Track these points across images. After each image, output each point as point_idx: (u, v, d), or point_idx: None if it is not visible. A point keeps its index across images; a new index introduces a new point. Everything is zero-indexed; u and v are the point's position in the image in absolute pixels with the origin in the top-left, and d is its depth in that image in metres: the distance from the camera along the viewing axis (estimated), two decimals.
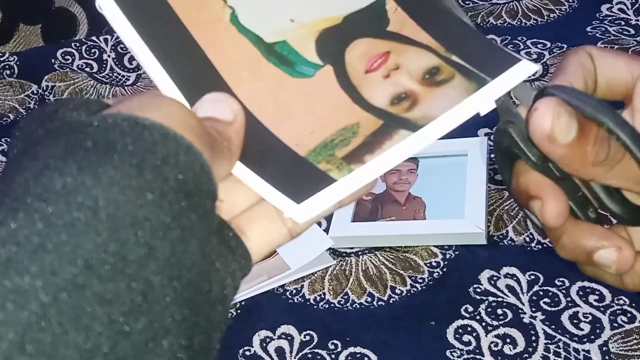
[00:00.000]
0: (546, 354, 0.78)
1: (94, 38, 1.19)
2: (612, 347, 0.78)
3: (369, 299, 0.85)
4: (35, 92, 1.11)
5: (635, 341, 0.78)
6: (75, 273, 0.30)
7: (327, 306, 0.85)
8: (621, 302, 0.81)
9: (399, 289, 0.85)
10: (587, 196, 0.43)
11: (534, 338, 0.79)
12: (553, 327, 0.80)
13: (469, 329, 0.81)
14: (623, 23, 1.12)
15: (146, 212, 0.32)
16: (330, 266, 0.88)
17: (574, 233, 0.43)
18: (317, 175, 0.39)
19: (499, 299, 0.83)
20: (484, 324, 0.81)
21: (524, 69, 0.40)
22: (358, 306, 0.84)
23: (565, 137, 0.40)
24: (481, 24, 1.19)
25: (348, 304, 0.85)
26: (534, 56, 1.09)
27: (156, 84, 0.40)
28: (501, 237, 0.89)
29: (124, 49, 1.16)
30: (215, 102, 0.39)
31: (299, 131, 0.41)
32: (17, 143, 0.36)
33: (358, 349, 0.80)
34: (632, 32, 1.10)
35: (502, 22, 1.16)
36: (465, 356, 0.78)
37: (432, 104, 0.40)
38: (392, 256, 0.88)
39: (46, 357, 0.29)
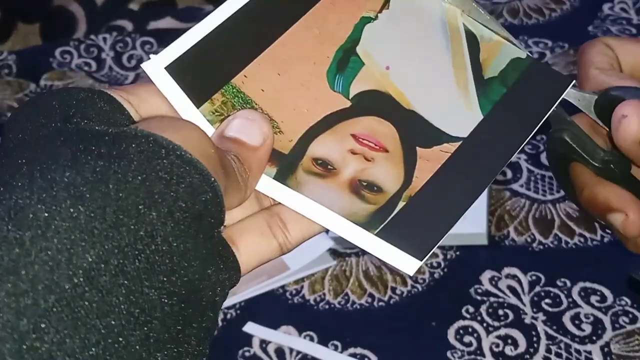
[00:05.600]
0: (547, 354, 0.78)
1: (92, 37, 1.18)
2: (614, 348, 0.78)
3: (370, 300, 0.84)
4: (33, 91, 1.11)
5: (636, 342, 0.78)
6: (75, 283, 0.29)
7: (327, 307, 0.84)
8: (623, 302, 0.81)
9: (400, 290, 0.85)
10: None
11: (535, 339, 0.79)
12: (554, 327, 0.80)
13: (470, 329, 0.80)
14: (625, 22, 1.12)
15: (151, 229, 0.31)
16: (331, 266, 0.88)
17: None
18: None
19: (500, 300, 0.83)
20: (485, 324, 0.81)
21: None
22: (358, 307, 0.84)
23: None
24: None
25: (348, 305, 0.84)
26: (536, 55, 1.09)
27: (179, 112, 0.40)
28: (502, 237, 0.88)
29: (123, 48, 1.16)
30: (247, 121, 0.39)
31: None
32: (17, 129, 0.35)
33: (358, 350, 0.80)
34: (634, 31, 1.10)
35: (503, 21, 1.16)
36: (466, 357, 0.78)
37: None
38: None
39: None
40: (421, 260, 0.39)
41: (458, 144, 0.44)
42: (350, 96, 0.44)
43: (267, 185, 0.40)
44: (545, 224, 0.89)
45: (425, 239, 0.40)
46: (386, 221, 0.40)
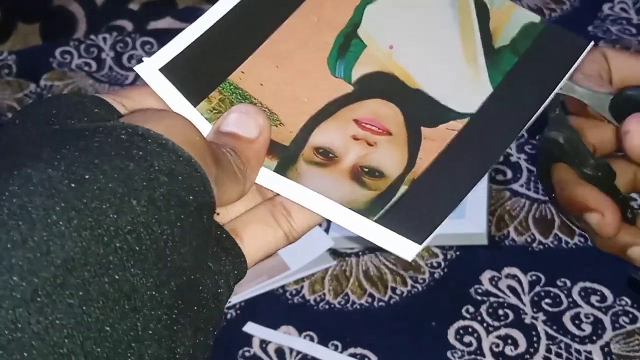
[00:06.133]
0: (547, 354, 0.78)
1: (92, 37, 1.18)
2: (614, 348, 0.78)
3: (370, 300, 0.84)
4: (33, 91, 1.11)
5: (637, 342, 0.78)
6: (54, 273, 0.29)
7: (327, 307, 0.84)
8: (623, 302, 0.81)
9: (400, 290, 0.85)
10: (627, 199, 0.46)
11: (535, 339, 0.79)
12: (554, 327, 0.80)
13: (470, 329, 0.80)
14: (625, 22, 1.12)
15: (131, 217, 0.31)
16: (331, 267, 0.88)
17: None
18: None
19: (500, 300, 0.83)
20: (485, 324, 0.81)
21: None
22: (358, 307, 0.84)
23: None
24: None
25: (348, 305, 0.84)
26: None
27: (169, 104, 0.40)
28: (502, 237, 0.88)
29: (123, 48, 1.15)
30: (242, 115, 0.39)
31: None
32: (4, 137, 0.35)
33: (358, 350, 0.80)
34: (634, 31, 1.10)
35: None
36: (466, 357, 0.78)
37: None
38: (392, 256, 0.88)
39: (23, 357, 0.28)
40: (420, 244, 0.38)
41: (465, 120, 0.42)
42: (353, 80, 0.43)
43: (267, 177, 0.39)
44: (545, 224, 0.89)
45: (425, 222, 0.39)
46: (386, 207, 0.39)
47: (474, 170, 0.41)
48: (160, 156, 0.33)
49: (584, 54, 0.44)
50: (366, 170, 0.40)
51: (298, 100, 0.42)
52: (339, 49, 0.43)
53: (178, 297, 0.32)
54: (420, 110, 0.43)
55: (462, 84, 0.44)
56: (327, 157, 0.41)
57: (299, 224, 0.40)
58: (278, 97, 0.41)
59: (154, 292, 0.31)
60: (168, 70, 0.39)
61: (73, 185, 0.31)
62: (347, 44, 0.43)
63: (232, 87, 0.41)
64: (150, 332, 0.31)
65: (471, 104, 0.43)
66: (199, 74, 0.40)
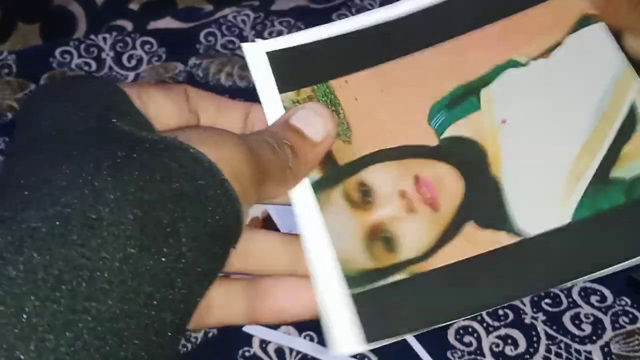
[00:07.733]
0: (547, 354, 0.78)
1: (92, 37, 1.18)
2: (614, 348, 0.78)
3: None
4: (33, 91, 1.11)
5: (637, 342, 0.78)
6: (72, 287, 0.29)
7: None
8: (623, 302, 0.81)
9: None
10: None
11: (535, 339, 0.79)
12: (554, 327, 0.80)
13: (470, 329, 0.80)
14: None
15: (178, 253, 0.31)
16: None
17: None
18: None
19: None
20: (485, 324, 0.81)
21: None
22: None
23: None
24: None
25: None
26: None
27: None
28: None
29: (123, 47, 1.15)
30: (313, 115, 0.38)
31: None
32: (54, 124, 0.34)
33: None
34: None
35: None
36: (466, 357, 0.78)
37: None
38: None
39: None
40: (367, 344, 0.36)
41: (516, 240, 0.37)
42: (442, 136, 0.39)
43: (299, 186, 0.38)
44: None
45: (388, 327, 0.36)
46: (373, 286, 0.37)
47: (486, 300, 0.36)
48: (213, 190, 0.33)
49: None
50: (383, 236, 0.37)
51: (380, 129, 0.39)
52: (450, 99, 0.39)
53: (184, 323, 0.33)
54: (481, 202, 0.38)
55: (543, 201, 0.37)
56: (363, 198, 0.38)
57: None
58: (364, 117, 0.39)
59: (162, 305, 0.31)
60: (274, 56, 0.39)
61: (136, 211, 0.30)
62: (462, 98, 0.39)
63: (327, 90, 0.40)
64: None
65: (534, 226, 0.37)
66: (301, 68, 0.39)
